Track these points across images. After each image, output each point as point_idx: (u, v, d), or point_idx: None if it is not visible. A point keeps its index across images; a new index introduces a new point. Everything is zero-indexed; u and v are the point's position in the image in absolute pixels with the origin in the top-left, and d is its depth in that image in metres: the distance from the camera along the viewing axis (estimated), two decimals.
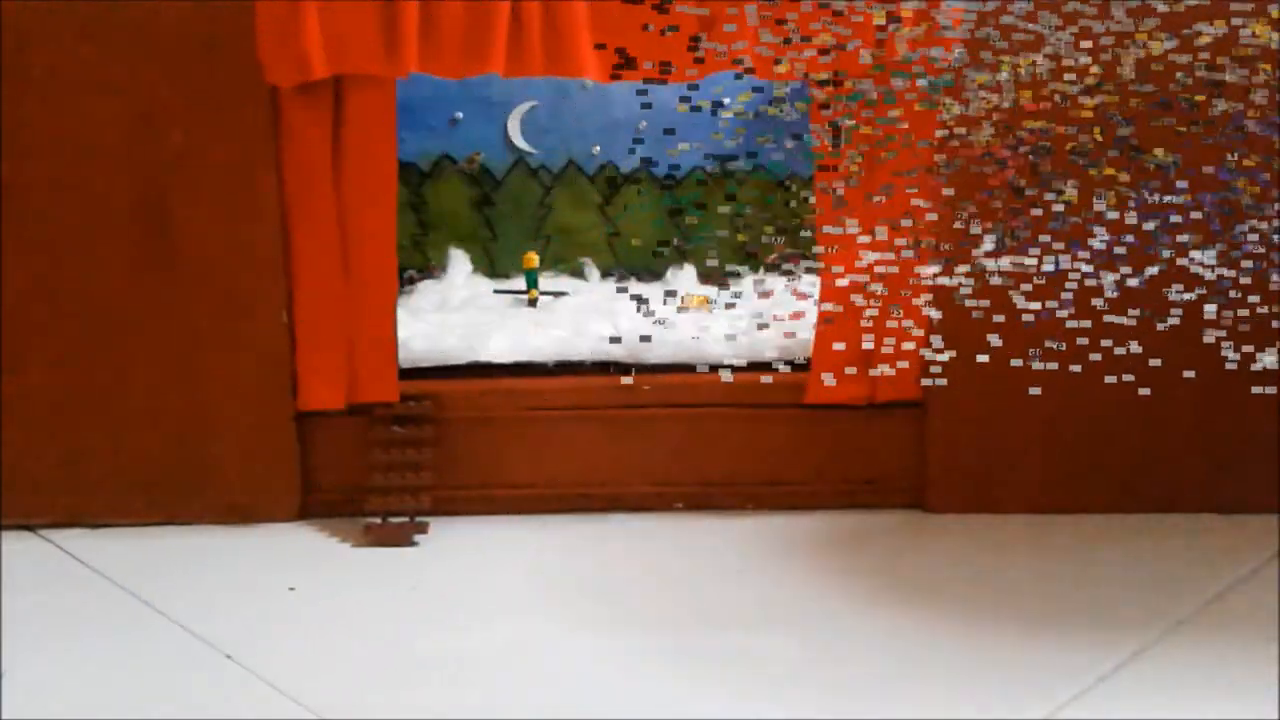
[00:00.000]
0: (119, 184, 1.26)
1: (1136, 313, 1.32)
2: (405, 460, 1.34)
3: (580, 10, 1.25)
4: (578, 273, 1.72)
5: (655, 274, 1.72)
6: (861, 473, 1.39)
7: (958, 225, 1.31)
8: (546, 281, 1.66)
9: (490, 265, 1.70)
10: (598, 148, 1.69)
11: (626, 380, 1.35)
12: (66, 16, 1.23)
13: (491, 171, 1.69)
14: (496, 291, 1.65)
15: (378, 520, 1.33)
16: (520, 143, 1.68)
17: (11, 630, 1.14)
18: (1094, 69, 1.26)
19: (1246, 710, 1.03)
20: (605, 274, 1.73)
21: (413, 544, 1.31)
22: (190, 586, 1.22)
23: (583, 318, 1.50)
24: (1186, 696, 1.05)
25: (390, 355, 1.35)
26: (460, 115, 1.66)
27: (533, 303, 1.61)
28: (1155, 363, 1.32)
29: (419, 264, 1.70)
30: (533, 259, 1.63)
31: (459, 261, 1.68)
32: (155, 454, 1.32)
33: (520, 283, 1.66)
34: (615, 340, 1.40)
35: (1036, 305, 1.29)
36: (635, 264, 1.73)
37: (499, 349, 1.41)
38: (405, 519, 1.33)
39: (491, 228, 1.70)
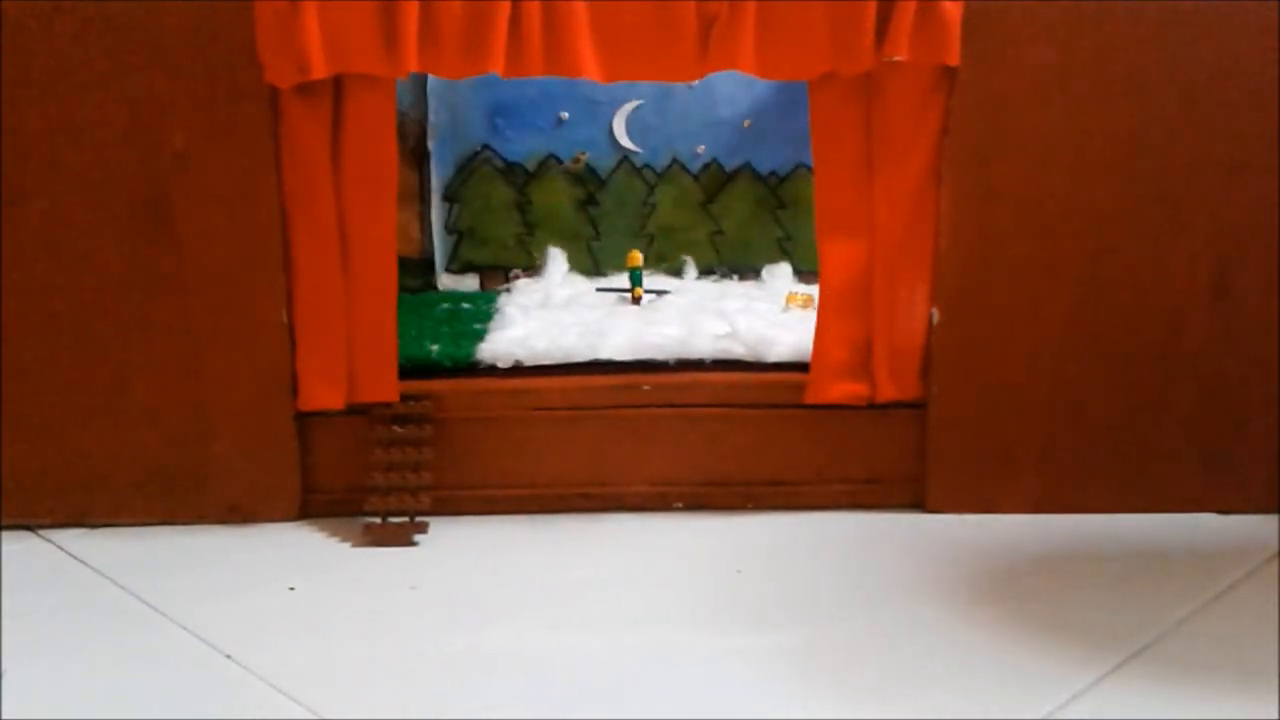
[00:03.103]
0: (119, 184, 1.26)
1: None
2: (405, 460, 1.34)
3: (580, 10, 1.24)
4: (675, 271, 1.72)
5: (755, 271, 1.73)
6: (862, 473, 1.39)
7: None
8: (646, 280, 1.67)
9: (595, 264, 1.72)
10: (702, 147, 1.71)
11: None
12: (66, 16, 1.23)
13: (596, 171, 1.71)
14: (599, 290, 1.66)
15: (377, 520, 1.33)
16: (625, 142, 1.69)
17: (11, 630, 1.14)
18: None
19: (1246, 710, 1.03)
20: (703, 272, 1.73)
21: (413, 544, 1.31)
22: (190, 586, 1.22)
23: (693, 315, 1.51)
24: (1186, 696, 1.05)
25: (390, 355, 1.35)
26: (566, 115, 1.68)
27: (636, 300, 1.61)
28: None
29: (523, 263, 1.72)
30: (637, 257, 1.64)
31: (557, 260, 1.69)
32: (155, 454, 1.33)
33: (620, 280, 1.67)
34: (729, 337, 1.41)
35: None
36: (737, 262, 1.74)
37: (618, 346, 1.41)
38: (405, 519, 1.33)
39: (595, 226, 1.72)
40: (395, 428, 1.35)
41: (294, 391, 1.33)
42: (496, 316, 1.52)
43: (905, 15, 1.24)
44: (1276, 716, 1.02)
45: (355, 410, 1.35)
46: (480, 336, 1.45)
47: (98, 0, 1.22)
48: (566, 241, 1.72)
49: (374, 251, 1.32)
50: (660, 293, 1.64)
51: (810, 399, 1.37)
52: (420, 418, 1.35)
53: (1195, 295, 1.32)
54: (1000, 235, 1.31)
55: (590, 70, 1.26)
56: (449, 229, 1.72)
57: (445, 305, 1.61)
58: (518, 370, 1.39)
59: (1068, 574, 1.25)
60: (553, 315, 1.54)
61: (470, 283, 1.72)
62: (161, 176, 1.27)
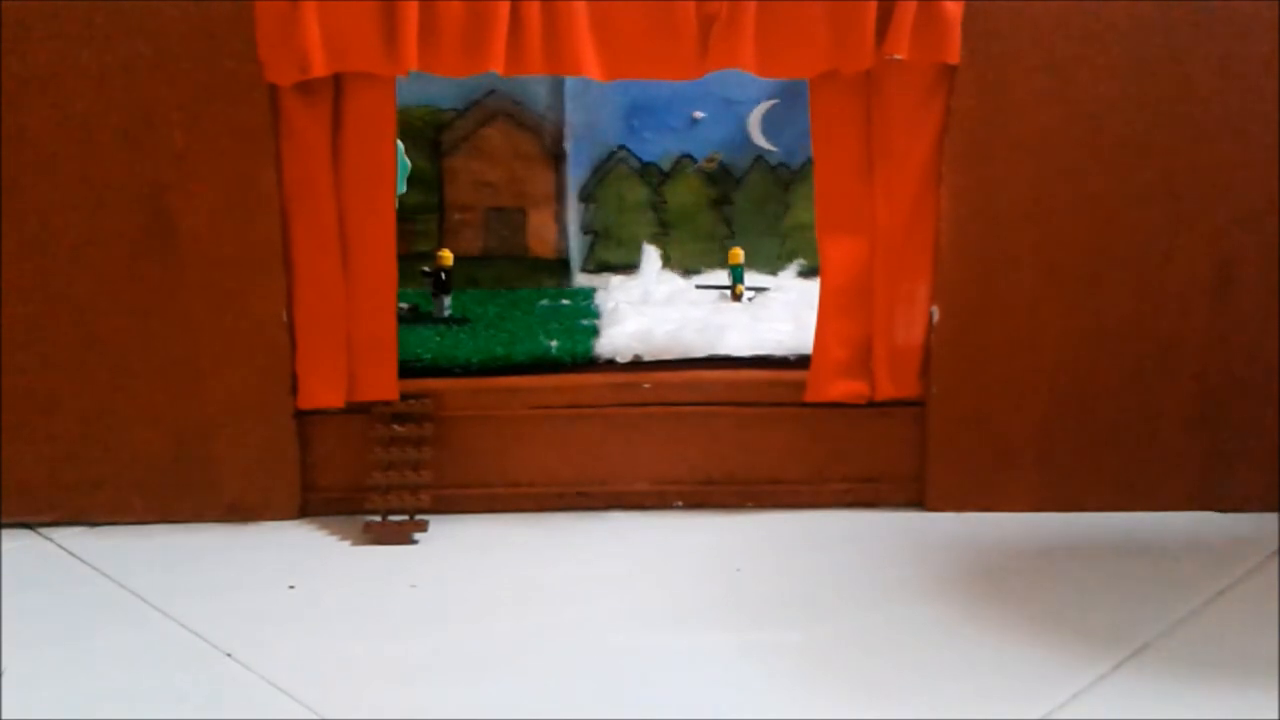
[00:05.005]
0: (119, 184, 1.26)
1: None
2: (405, 458, 1.34)
3: (580, 9, 1.24)
4: (771, 270, 1.72)
5: None
6: (861, 472, 1.39)
7: None
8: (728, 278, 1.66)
9: (725, 263, 1.72)
10: None
11: None
12: (66, 16, 1.22)
13: (730, 170, 1.70)
14: (699, 286, 1.66)
15: (377, 519, 1.33)
16: (760, 141, 1.69)
17: (11, 630, 1.14)
18: None
19: (1246, 710, 1.03)
20: (811, 272, 1.72)
21: (412, 542, 1.31)
22: (190, 585, 1.22)
23: (801, 312, 1.50)
24: (1186, 696, 1.05)
25: (390, 354, 1.35)
26: (701, 115, 1.67)
27: (737, 297, 1.61)
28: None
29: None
30: (738, 254, 1.64)
31: (651, 257, 1.69)
32: (155, 454, 1.33)
33: (717, 277, 1.66)
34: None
35: None
36: None
37: (737, 343, 1.42)
38: (405, 517, 1.33)
39: (730, 226, 1.71)
40: (395, 426, 1.35)
41: (294, 390, 1.33)
42: (607, 313, 1.52)
43: (906, 14, 1.24)
44: (1276, 716, 1.02)
45: (355, 409, 1.35)
46: (592, 332, 1.46)
47: (98, 0, 1.22)
48: (700, 241, 1.72)
49: (374, 250, 1.32)
50: (759, 290, 1.65)
51: (810, 397, 1.37)
52: (420, 416, 1.35)
53: (1195, 295, 1.33)
54: (1000, 234, 1.31)
55: (590, 69, 1.26)
56: (585, 229, 1.72)
57: (545, 301, 1.61)
58: (516, 369, 1.39)
59: (1067, 573, 1.25)
60: (660, 311, 1.54)
61: (605, 282, 1.71)
62: (161, 176, 1.27)
